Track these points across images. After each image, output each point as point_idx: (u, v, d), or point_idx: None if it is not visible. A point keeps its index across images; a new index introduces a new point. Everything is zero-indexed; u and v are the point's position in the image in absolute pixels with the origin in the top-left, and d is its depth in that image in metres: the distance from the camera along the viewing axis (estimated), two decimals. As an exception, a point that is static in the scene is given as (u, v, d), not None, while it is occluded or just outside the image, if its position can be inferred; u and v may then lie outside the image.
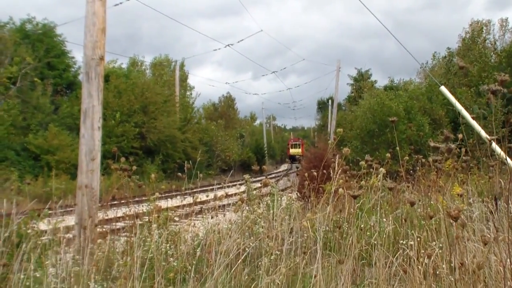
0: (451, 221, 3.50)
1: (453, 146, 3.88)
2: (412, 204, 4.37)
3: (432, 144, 4.22)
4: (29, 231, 5.77)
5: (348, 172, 6.54)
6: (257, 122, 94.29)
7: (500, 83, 3.47)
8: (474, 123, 8.19)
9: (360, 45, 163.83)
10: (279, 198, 7.02)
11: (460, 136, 5.92)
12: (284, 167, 66.48)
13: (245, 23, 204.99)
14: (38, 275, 4.63)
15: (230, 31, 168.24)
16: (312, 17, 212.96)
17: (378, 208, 5.73)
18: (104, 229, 7.61)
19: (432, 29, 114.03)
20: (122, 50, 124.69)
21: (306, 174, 7.45)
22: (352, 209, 5.92)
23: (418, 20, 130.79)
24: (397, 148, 6.71)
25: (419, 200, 5.97)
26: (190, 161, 6.89)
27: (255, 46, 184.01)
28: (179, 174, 7.23)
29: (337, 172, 5.37)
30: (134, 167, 6.65)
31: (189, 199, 7.23)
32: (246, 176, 7.41)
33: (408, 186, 7.01)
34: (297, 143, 72.79)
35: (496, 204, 5.95)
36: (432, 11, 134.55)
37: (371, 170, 6.76)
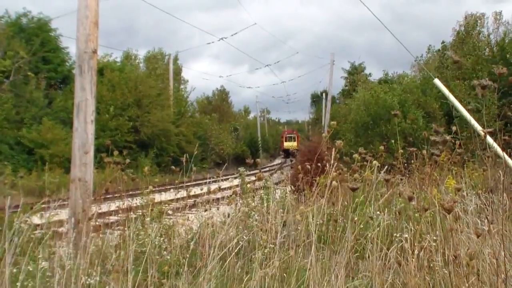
0: (445, 213, 3.50)
1: (448, 137, 3.88)
2: (410, 199, 4.37)
3: (432, 138, 4.23)
4: (22, 224, 5.75)
5: (340, 163, 6.54)
6: (251, 115, 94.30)
7: (498, 76, 3.47)
8: (468, 116, 8.18)
9: (358, 38, 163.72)
10: (273, 191, 7.01)
11: (454, 128, 5.92)
12: (278, 160, 65.74)
13: (242, 16, 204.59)
14: (31, 269, 4.61)
15: (228, 24, 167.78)
16: (310, 10, 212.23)
17: (372, 201, 5.73)
18: (97, 223, 7.59)
19: (430, 22, 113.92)
20: (119, 43, 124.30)
21: (300, 167, 7.44)
22: (346, 202, 5.92)
23: (416, 13, 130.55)
24: (392, 141, 6.69)
25: (413, 193, 5.97)
26: (186, 155, 6.88)
27: (252, 38, 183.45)
28: (173, 167, 7.23)
29: (332, 165, 5.36)
30: (128, 161, 6.63)
31: (183, 193, 7.22)
32: (241, 169, 7.40)
33: (402, 179, 7.01)
34: (292, 135, 67.63)
35: (491, 196, 5.96)
36: (431, 4, 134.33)
37: (365, 163, 6.75)
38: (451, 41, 36.51)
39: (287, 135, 68.68)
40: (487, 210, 5.51)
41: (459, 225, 4.51)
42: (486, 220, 4.91)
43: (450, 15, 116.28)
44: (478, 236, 3.46)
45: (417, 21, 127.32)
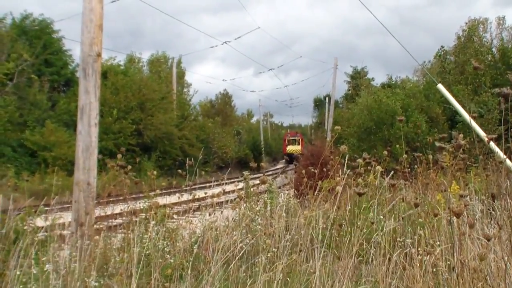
0: (454, 217, 3.50)
1: (463, 142, 3.89)
2: (416, 205, 4.37)
3: (437, 144, 4.23)
4: (25, 227, 5.76)
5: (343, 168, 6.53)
6: (254, 119, 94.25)
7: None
8: (472, 122, 8.18)
9: (364, 42, 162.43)
10: (276, 196, 7.01)
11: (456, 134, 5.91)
12: (281, 164, 64.79)
13: (248, 19, 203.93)
14: (35, 272, 4.61)
15: (234, 27, 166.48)
16: (316, 13, 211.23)
17: (375, 206, 5.72)
18: (101, 226, 7.60)
19: (438, 26, 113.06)
20: (125, 45, 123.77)
21: (303, 171, 7.44)
22: (350, 206, 5.92)
23: (424, 17, 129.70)
24: (397, 145, 6.69)
25: (417, 198, 5.96)
26: (192, 159, 6.90)
27: (259, 42, 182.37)
28: (179, 171, 7.24)
29: (334, 169, 5.37)
30: (130, 166, 6.65)
31: (186, 196, 7.23)
32: (246, 173, 7.40)
33: (405, 184, 7.01)
34: (296, 138, 61.32)
35: (493, 202, 5.95)
36: (439, 7, 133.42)
37: (369, 168, 6.75)
38: (453, 46, 36.42)
39: (290, 138, 62.83)
40: (491, 215, 5.50)
41: (466, 230, 4.50)
42: (492, 225, 4.91)
43: (458, 19, 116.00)
44: (488, 240, 3.46)
45: (425, 25, 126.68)
